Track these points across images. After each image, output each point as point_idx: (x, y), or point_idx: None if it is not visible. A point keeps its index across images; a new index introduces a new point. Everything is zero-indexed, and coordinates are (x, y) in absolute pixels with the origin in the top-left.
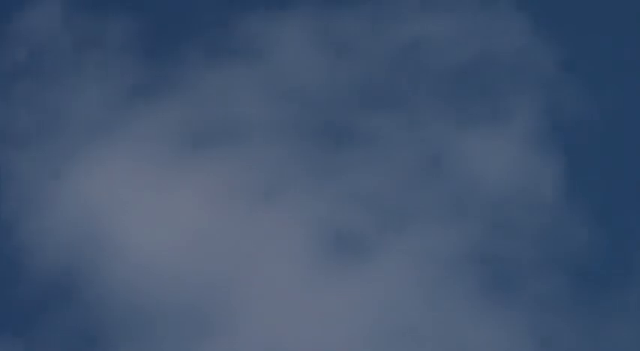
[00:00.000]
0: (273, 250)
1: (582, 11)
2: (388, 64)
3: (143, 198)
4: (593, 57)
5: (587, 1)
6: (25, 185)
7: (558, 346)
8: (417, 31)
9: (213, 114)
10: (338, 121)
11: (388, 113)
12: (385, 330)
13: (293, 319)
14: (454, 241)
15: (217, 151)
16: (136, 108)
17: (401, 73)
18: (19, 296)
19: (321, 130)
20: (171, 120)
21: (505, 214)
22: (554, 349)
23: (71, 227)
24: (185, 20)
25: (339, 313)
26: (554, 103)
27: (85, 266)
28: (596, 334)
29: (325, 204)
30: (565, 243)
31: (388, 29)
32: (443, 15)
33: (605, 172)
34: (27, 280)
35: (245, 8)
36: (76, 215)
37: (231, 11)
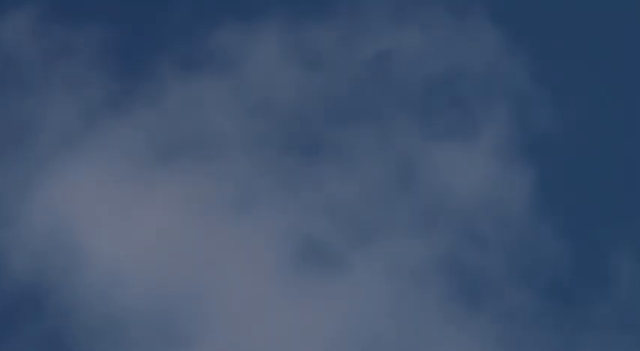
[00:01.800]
0: (243, 259)
1: (553, 26)
2: (358, 77)
3: (113, 208)
4: (563, 71)
5: (558, 17)
6: None
7: None
8: (387, 43)
9: (184, 126)
10: (308, 133)
11: (359, 125)
12: (353, 338)
13: (261, 326)
14: (423, 253)
15: (188, 163)
16: (107, 120)
17: (371, 86)
18: None
19: (292, 143)
20: (142, 132)
21: (474, 226)
22: None
23: (41, 237)
24: (156, 32)
25: (308, 321)
26: (524, 115)
27: (55, 276)
28: (562, 346)
29: (295, 215)
30: (533, 255)
31: (358, 42)
32: (414, 27)
33: (573, 185)
34: (1, 289)
35: (216, 21)
36: (46, 226)
37: (202, 24)
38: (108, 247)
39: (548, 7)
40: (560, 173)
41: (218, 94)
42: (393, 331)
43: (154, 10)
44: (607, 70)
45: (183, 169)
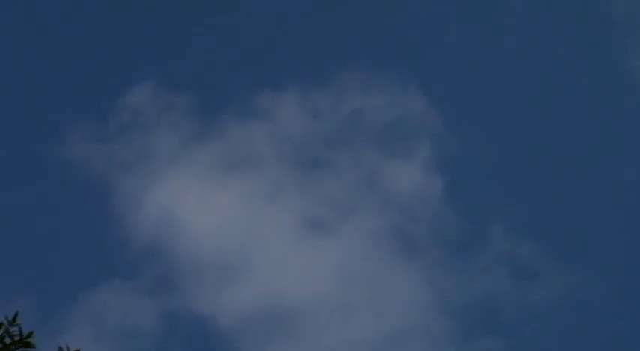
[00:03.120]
0: (275, 227)
1: (459, 91)
2: (342, 123)
3: (200, 198)
4: (464, 121)
5: (463, 85)
6: (129, 193)
7: (442, 287)
8: (359, 103)
9: (241, 149)
10: (314, 155)
11: (344, 150)
12: (341, 275)
13: (286, 269)
14: (381, 225)
15: (243, 172)
16: (194, 147)
17: (351, 128)
18: (127, 256)
19: (303, 159)
20: (216, 153)
21: (411, 209)
22: (439, 289)
23: (157, 216)
24: (224, 95)
25: (313, 266)
26: (440, 147)
27: (167, 240)
28: (464, 280)
29: (306, 202)
30: (445, 226)
31: (343, 102)
32: (376, 95)
33: (467, 186)
34: (132, 248)
35: (258, 89)
36: (160, 209)
37: (251, 91)
38: (198, 221)
39: (456, 79)
40: (460, 180)
41: (260, 132)
42: (364, 269)
43: (222, 83)
44: (499, 110)
45: (241, 175)
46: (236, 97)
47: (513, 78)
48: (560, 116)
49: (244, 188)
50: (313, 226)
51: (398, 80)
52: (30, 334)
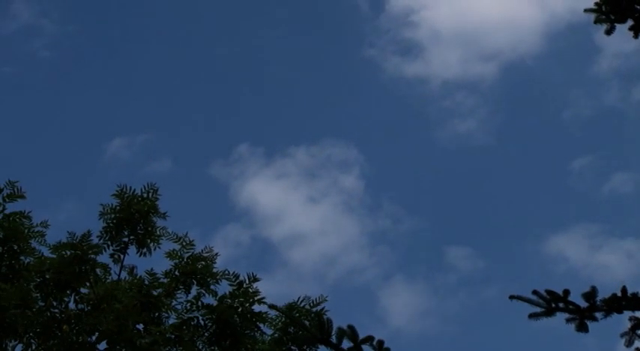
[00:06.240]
0: (297, 200)
1: (373, 146)
2: (323, 160)
3: (266, 188)
4: (376, 155)
5: (375, 143)
6: (237, 188)
7: (363, 225)
8: (329, 151)
9: (282, 170)
10: (312, 173)
11: (324, 171)
12: (322, 220)
13: (301, 216)
14: (339, 200)
15: (284, 179)
16: (263, 169)
17: (325, 162)
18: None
19: (308, 174)
20: (272, 172)
21: (351, 195)
22: (362, 226)
23: (249, 195)
24: (273, 147)
25: (311, 216)
26: (364, 169)
27: (252, 205)
28: (372, 223)
29: (308, 190)
30: (364, 201)
31: (324, 151)
32: (336, 149)
33: (378, 184)
34: (237, 211)
35: (288, 144)
36: (249, 193)
37: (285, 145)
38: (266, 196)
39: (371, 141)
40: (373, 181)
41: (291, 163)
42: (331, 217)
43: (272, 142)
44: (387, 157)
45: (284, 180)
46: (279, 149)
47: (401, 142)
48: (414, 152)
49: (285, 184)
50: (311, 200)
51: (346, 143)
52: (211, 249)
